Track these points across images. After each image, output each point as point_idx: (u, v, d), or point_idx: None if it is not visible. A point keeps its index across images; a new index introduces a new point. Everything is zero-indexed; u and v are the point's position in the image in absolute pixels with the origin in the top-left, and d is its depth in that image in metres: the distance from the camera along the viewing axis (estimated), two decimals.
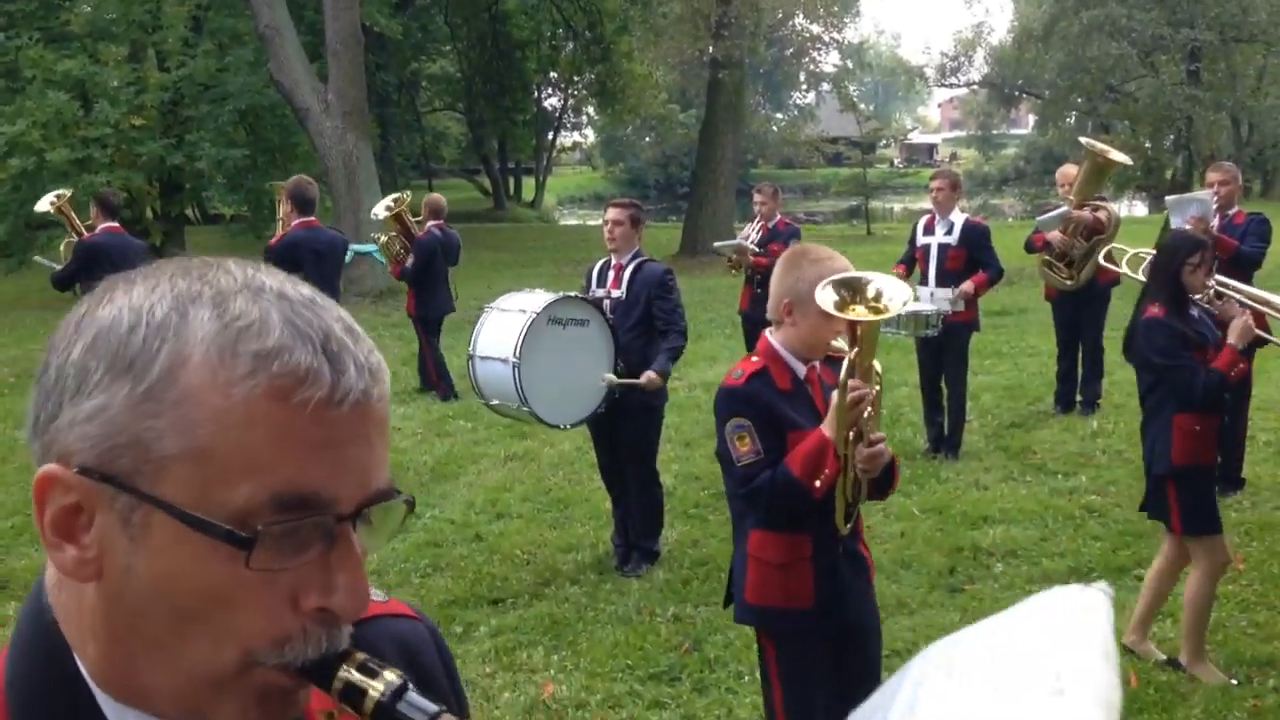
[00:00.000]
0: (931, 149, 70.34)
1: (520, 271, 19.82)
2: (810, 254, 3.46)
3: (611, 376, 5.90)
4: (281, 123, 21.45)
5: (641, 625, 5.53)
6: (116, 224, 9.19)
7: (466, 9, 33.41)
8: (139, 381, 0.82)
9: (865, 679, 3.44)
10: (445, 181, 48.41)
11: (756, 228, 9.47)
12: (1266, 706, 4.57)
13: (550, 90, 43.00)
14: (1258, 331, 4.94)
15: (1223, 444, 4.93)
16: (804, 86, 48.53)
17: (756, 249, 9.16)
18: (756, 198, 9.58)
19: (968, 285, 7.92)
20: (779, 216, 9.53)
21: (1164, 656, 4.95)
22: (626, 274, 6.23)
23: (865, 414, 3.24)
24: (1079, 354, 9.20)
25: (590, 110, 42.95)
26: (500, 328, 5.96)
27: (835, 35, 32.61)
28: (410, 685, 0.87)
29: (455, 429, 9.39)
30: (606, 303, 6.20)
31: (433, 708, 0.86)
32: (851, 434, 3.25)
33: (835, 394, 3.23)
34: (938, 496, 7.20)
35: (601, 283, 6.34)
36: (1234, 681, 4.74)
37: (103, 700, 0.88)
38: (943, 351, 8.13)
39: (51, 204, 9.59)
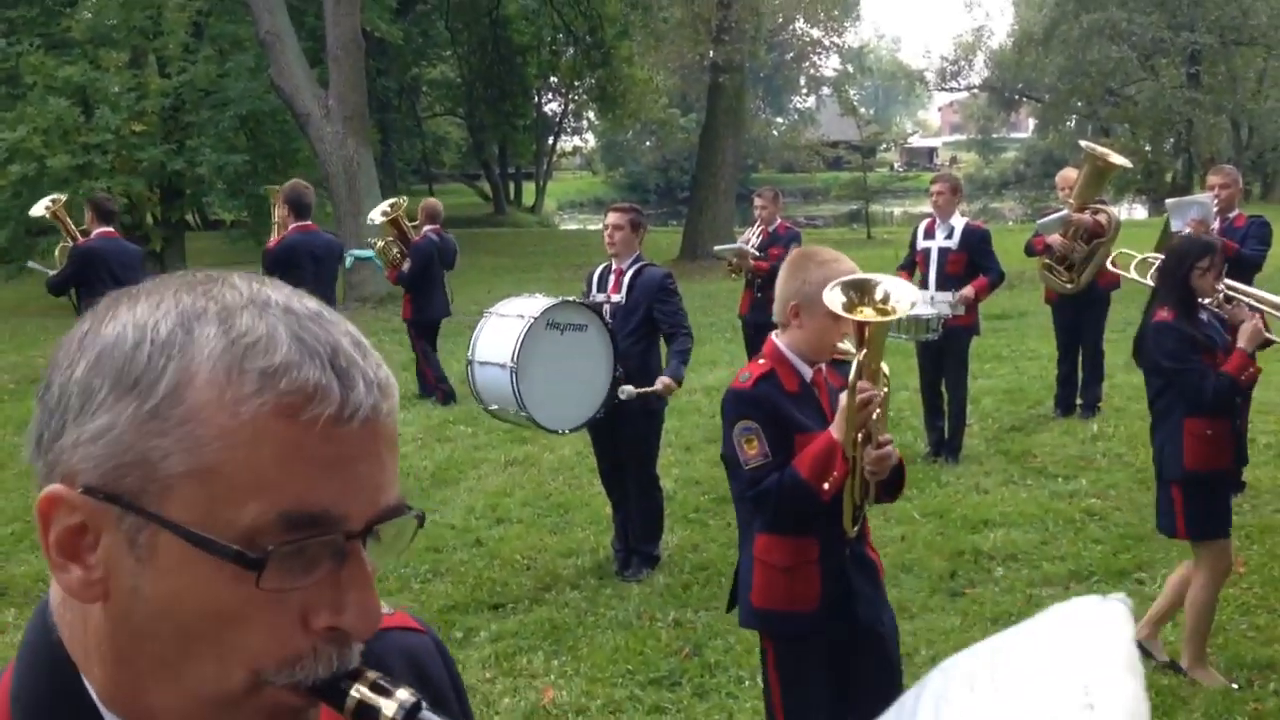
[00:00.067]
0: (932, 153, 70.34)
1: (520, 276, 19.83)
2: (816, 256, 3.46)
3: (631, 388, 5.89)
4: (282, 128, 21.47)
5: (642, 630, 5.53)
6: (111, 228, 9.18)
7: (467, 14, 33.46)
8: (144, 400, 0.80)
9: (883, 682, 3.44)
10: (445, 186, 48.47)
11: (757, 232, 9.47)
12: (1267, 710, 4.56)
13: (550, 95, 43.07)
14: (1267, 334, 4.92)
15: (1238, 448, 4.90)
16: (804, 91, 48.59)
17: (757, 253, 9.16)
18: (757, 202, 9.58)
19: (968, 289, 7.91)
20: (779, 221, 9.53)
21: (1166, 659, 4.95)
22: (627, 279, 6.22)
23: (874, 416, 3.24)
24: (1079, 357, 9.19)
25: (590, 115, 42.99)
26: (498, 333, 5.96)
27: (835, 39, 32.71)
28: (424, 704, 0.85)
29: (455, 434, 9.38)
30: (607, 307, 6.20)
31: None
32: (860, 436, 3.25)
33: (844, 396, 3.23)
34: (938, 500, 7.19)
35: (602, 287, 6.34)
36: (1234, 685, 4.73)
37: (110, 719, 0.87)
38: (943, 355, 8.13)
39: (47, 208, 9.58)
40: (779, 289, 3.48)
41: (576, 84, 35.96)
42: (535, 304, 5.99)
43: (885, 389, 3.26)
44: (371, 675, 0.86)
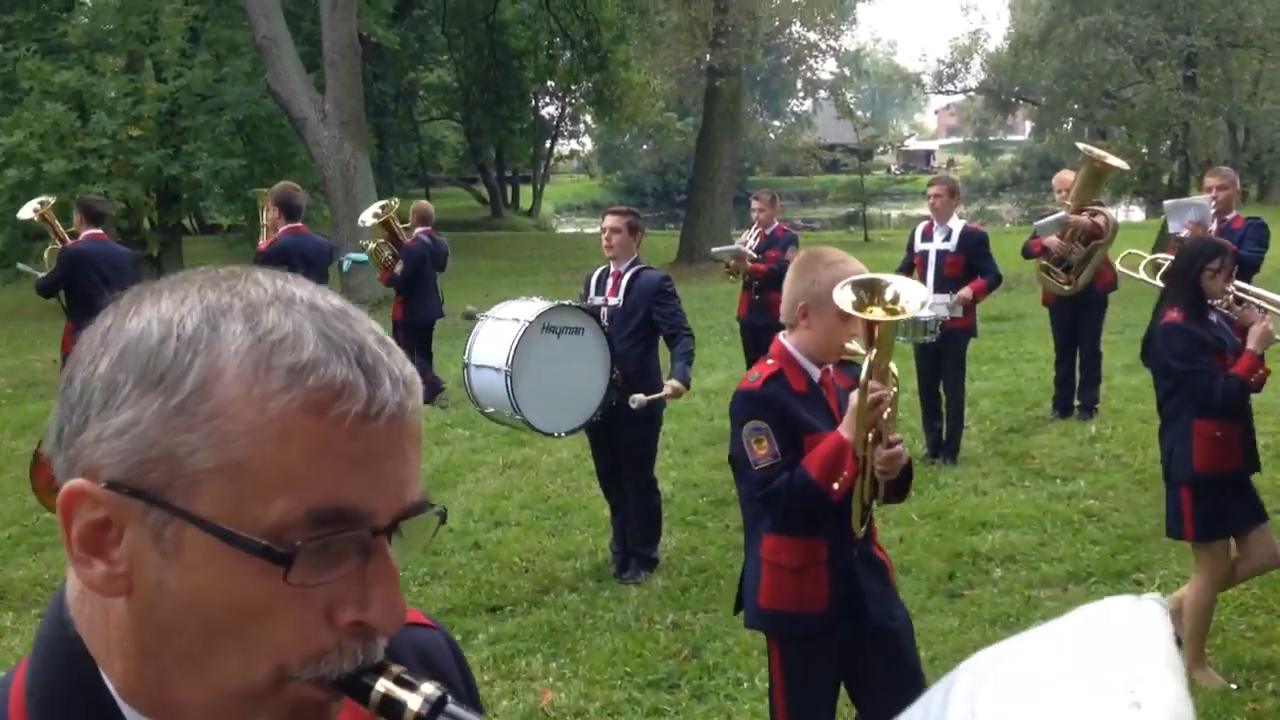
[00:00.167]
0: (928, 155, 70.43)
1: (518, 280, 19.84)
2: (825, 257, 3.46)
3: (642, 397, 5.89)
4: (279, 133, 21.48)
5: (640, 632, 5.52)
6: (100, 230, 9.19)
7: (464, 19, 33.50)
8: (171, 395, 0.80)
9: (896, 679, 3.42)
10: (443, 190, 48.46)
11: (754, 234, 9.48)
12: (1265, 710, 4.56)
13: (547, 99, 43.09)
14: (1278, 337, 4.91)
15: (1248, 449, 4.88)
16: (801, 94, 48.54)
17: (754, 255, 9.16)
18: (754, 205, 9.58)
19: (966, 291, 7.92)
20: (776, 223, 9.53)
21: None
22: (624, 282, 6.23)
23: (884, 415, 3.24)
24: (1077, 359, 9.20)
25: (588, 118, 43.07)
26: (494, 336, 5.96)
27: (832, 43, 32.69)
28: (449, 697, 0.86)
29: (453, 437, 9.38)
30: (604, 310, 6.20)
31: (473, 719, 0.85)
32: (870, 435, 3.26)
33: (854, 395, 3.23)
34: (936, 502, 7.19)
35: (600, 290, 6.34)
36: (1233, 686, 4.74)
37: (129, 714, 0.87)
38: (941, 357, 8.13)
39: (35, 211, 9.57)
40: (786, 290, 3.48)
41: (573, 88, 36.03)
42: (531, 308, 5.99)
43: (895, 389, 3.27)
44: (396, 670, 0.87)
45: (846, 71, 42.29)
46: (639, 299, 6.17)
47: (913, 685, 3.67)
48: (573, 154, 57.89)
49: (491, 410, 6.11)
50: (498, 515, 7.36)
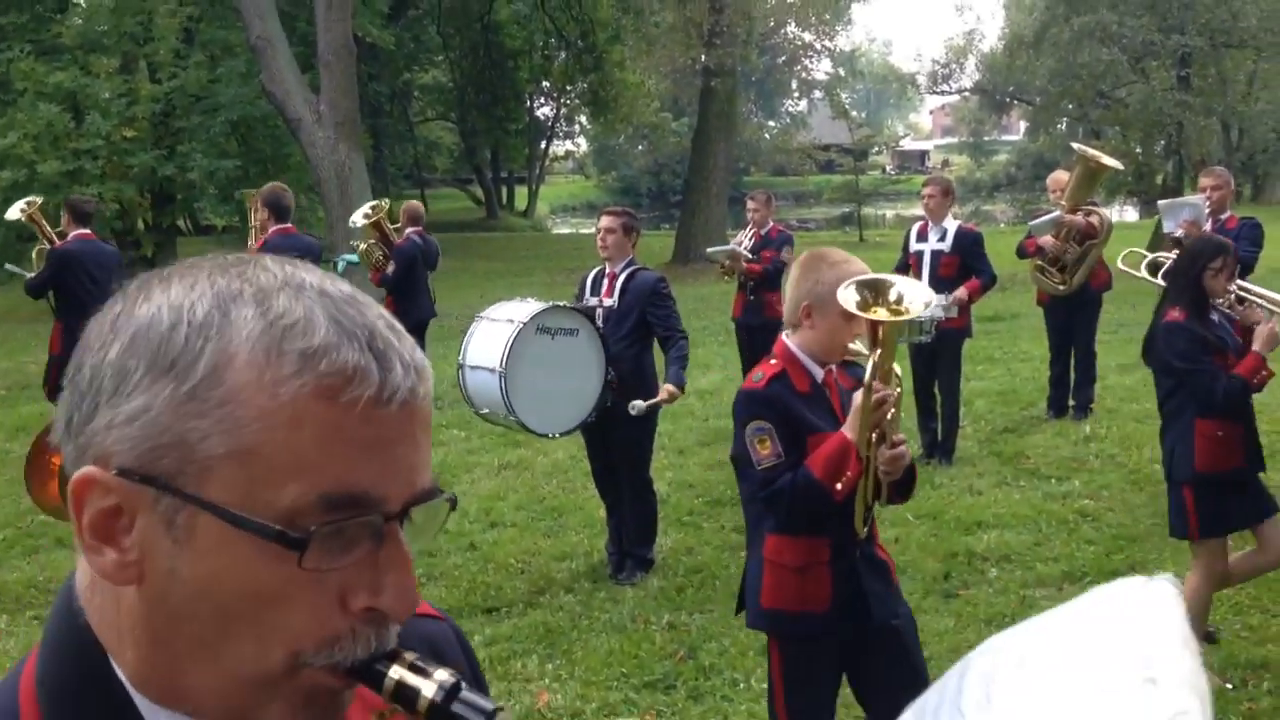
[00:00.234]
0: (923, 155, 70.51)
1: (513, 280, 19.83)
2: (828, 257, 3.46)
3: (641, 403, 5.90)
4: (273, 133, 21.46)
5: (636, 633, 5.52)
6: (88, 230, 9.20)
7: (458, 19, 33.46)
8: (182, 381, 0.80)
9: (900, 679, 3.42)
10: (438, 191, 48.46)
11: (749, 235, 9.47)
12: (1261, 710, 4.57)
13: (543, 99, 43.09)
14: None
15: (1250, 448, 4.88)
16: (796, 94, 48.62)
17: (749, 255, 9.16)
18: (749, 205, 9.58)
19: (961, 291, 7.92)
20: (772, 224, 9.53)
21: (1211, 627, 4.99)
22: (620, 283, 6.22)
23: (888, 416, 3.24)
24: (1071, 359, 9.21)
25: (583, 119, 43.00)
26: (488, 337, 5.96)
27: (827, 43, 32.74)
28: (463, 684, 0.86)
29: (449, 438, 9.37)
30: (600, 311, 6.20)
31: (489, 705, 0.85)
32: (874, 436, 3.26)
33: (858, 395, 3.23)
34: (931, 502, 7.20)
35: (595, 291, 6.34)
36: (1229, 685, 4.74)
37: (140, 702, 0.86)
38: (936, 358, 8.14)
39: (22, 211, 9.56)
40: (790, 290, 3.48)
41: (568, 88, 35.99)
42: (525, 309, 5.99)
43: (898, 389, 3.27)
44: (409, 656, 0.86)
45: (841, 72, 42.31)
46: (634, 300, 6.17)
47: (916, 684, 3.67)
48: (568, 154, 57.90)
49: (486, 411, 6.11)
50: (493, 516, 7.35)
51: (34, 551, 7.06)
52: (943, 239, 8.07)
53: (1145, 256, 6.79)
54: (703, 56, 23.38)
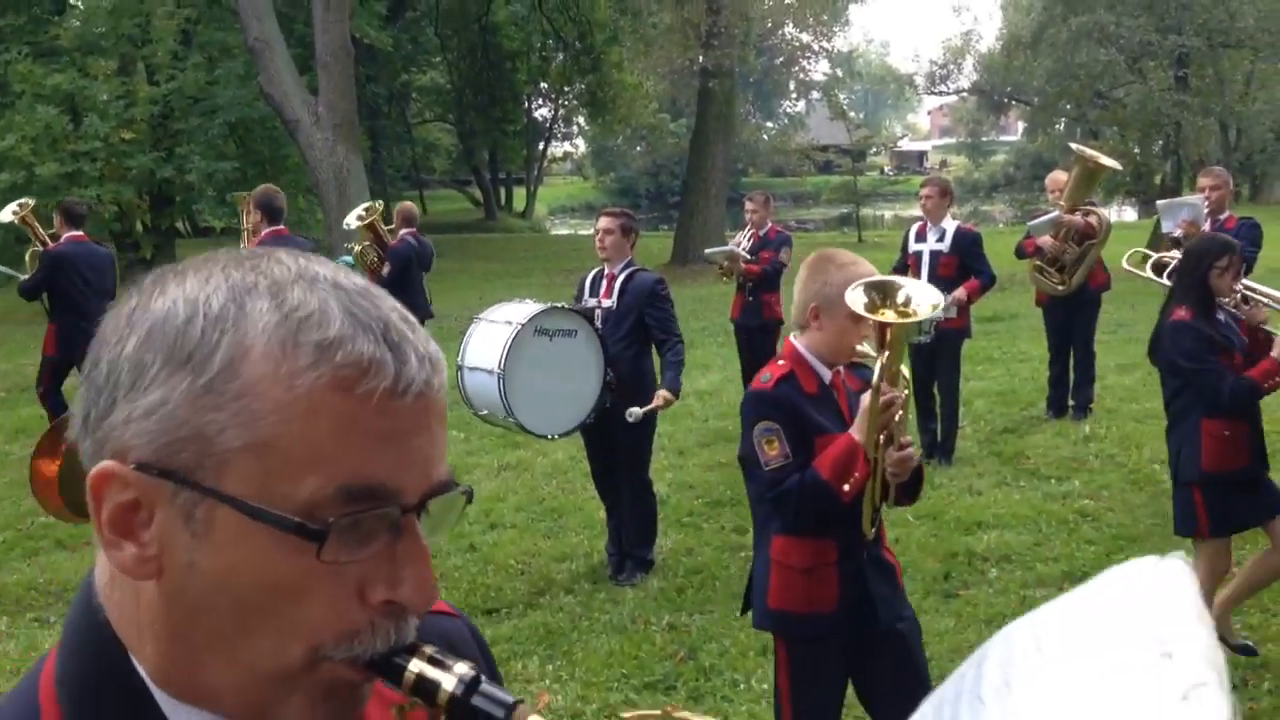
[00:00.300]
0: (921, 156, 70.55)
1: (512, 282, 19.82)
2: (836, 259, 3.46)
3: (637, 410, 5.90)
4: (271, 135, 21.46)
5: (636, 634, 5.52)
6: (81, 232, 9.23)
7: (456, 21, 33.46)
8: (199, 374, 0.80)
9: (904, 681, 3.45)
10: (436, 192, 48.45)
11: (748, 236, 9.47)
12: (1261, 709, 4.57)
13: (541, 101, 43.09)
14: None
15: (1255, 448, 4.88)
16: (794, 95, 48.64)
17: (748, 256, 9.16)
18: (748, 206, 9.58)
19: (960, 292, 7.92)
20: (770, 224, 9.53)
21: (1244, 640, 4.99)
22: (618, 284, 6.22)
23: (895, 417, 3.24)
24: (1070, 359, 9.22)
25: (581, 120, 43.01)
26: (487, 339, 5.97)
27: (825, 44, 32.73)
28: (483, 677, 0.86)
29: (448, 439, 9.35)
30: (598, 313, 6.20)
31: (509, 698, 0.85)
32: (882, 437, 3.26)
33: (866, 397, 3.24)
34: (931, 502, 7.19)
35: (594, 292, 6.34)
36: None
37: (161, 698, 0.86)
38: (935, 358, 8.14)
39: (14, 213, 9.57)
40: (798, 291, 3.48)
41: (566, 89, 35.99)
42: (523, 310, 5.99)
43: (906, 391, 3.27)
44: (428, 650, 0.86)
45: (839, 72, 42.30)
46: (633, 301, 6.17)
47: (919, 688, 3.69)
48: (566, 156, 57.88)
49: (485, 413, 6.11)
50: (493, 518, 7.35)
51: (34, 554, 7.06)
52: (941, 239, 8.07)
53: (1150, 256, 6.78)
54: (700, 57, 23.38)
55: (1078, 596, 0.91)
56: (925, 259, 8.07)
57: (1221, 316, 4.83)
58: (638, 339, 6.19)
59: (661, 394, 6.07)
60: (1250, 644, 5.04)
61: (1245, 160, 32.22)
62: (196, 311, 0.81)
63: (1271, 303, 5.11)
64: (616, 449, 6.28)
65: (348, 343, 0.81)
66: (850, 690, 3.59)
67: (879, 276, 3.30)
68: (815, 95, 39.21)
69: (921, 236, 8.20)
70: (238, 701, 0.85)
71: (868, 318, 3.16)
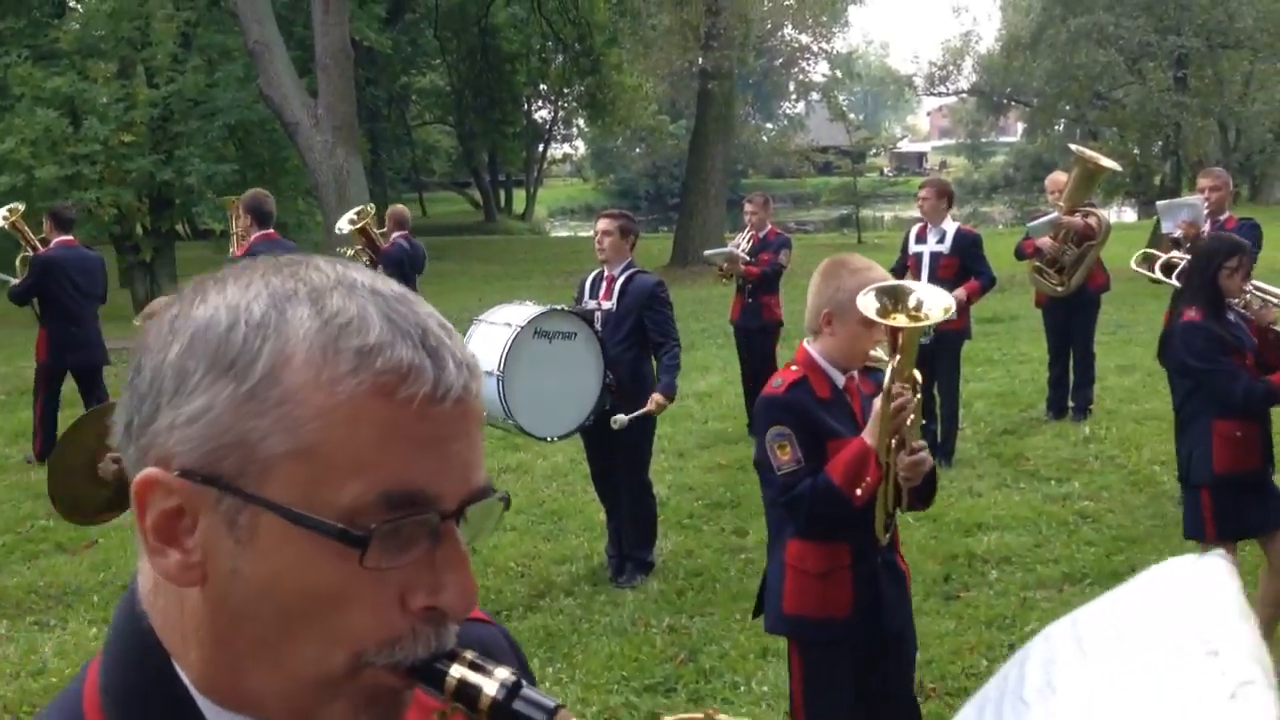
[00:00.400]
0: (921, 157, 70.56)
1: (511, 284, 19.82)
2: (849, 264, 3.47)
3: (623, 417, 5.91)
4: (271, 138, 21.45)
5: (636, 637, 5.52)
6: (71, 237, 9.25)
7: (456, 23, 33.48)
8: (241, 381, 0.80)
9: (900, 688, 3.51)
10: (436, 194, 48.50)
11: (747, 237, 9.48)
12: None
13: (540, 103, 43.10)
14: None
15: (1265, 448, 4.86)
16: (793, 96, 48.66)
17: (747, 258, 9.16)
18: (747, 207, 9.59)
19: (960, 293, 7.91)
20: (769, 226, 9.54)
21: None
22: (618, 286, 6.22)
23: (907, 422, 3.25)
24: (1070, 360, 9.21)
25: (580, 122, 43.04)
26: (486, 340, 5.96)
27: (824, 45, 32.77)
28: (524, 682, 0.86)
29: None
30: (598, 314, 6.20)
31: (550, 703, 0.85)
32: (893, 442, 3.27)
33: (878, 402, 3.25)
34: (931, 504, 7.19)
35: (594, 294, 6.34)
36: None
37: (204, 705, 0.86)
38: (935, 360, 8.13)
39: (4, 219, 9.58)
40: (811, 297, 3.48)
41: (566, 91, 35.99)
42: (523, 312, 5.99)
43: (918, 395, 3.27)
44: (469, 655, 0.87)
45: (839, 74, 42.33)
46: (632, 303, 6.17)
47: (910, 692, 3.71)
48: (565, 158, 57.92)
49: (484, 415, 6.09)
50: None
51: (34, 557, 7.05)
52: (941, 241, 8.07)
53: (1159, 257, 6.76)
54: (700, 59, 23.39)
55: (1118, 596, 0.90)
56: (925, 260, 8.06)
57: (1231, 317, 4.81)
58: (637, 341, 6.19)
59: (655, 398, 6.06)
60: None
61: (1245, 161, 32.22)
62: (238, 318, 0.82)
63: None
64: (616, 451, 6.28)
65: (387, 348, 0.81)
66: None
67: (891, 281, 3.31)
68: (815, 96, 39.22)
69: (921, 238, 8.19)
70: (281, 708, 0.85)
71: (879, 323, 3.16)
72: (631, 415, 5.95)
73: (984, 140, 57.15)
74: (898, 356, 3.20)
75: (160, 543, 0.83)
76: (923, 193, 8.32)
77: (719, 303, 14.05)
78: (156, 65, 20.53)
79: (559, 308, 6.15)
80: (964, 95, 38.16)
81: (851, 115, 37.37)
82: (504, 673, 0.86)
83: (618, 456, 6.30)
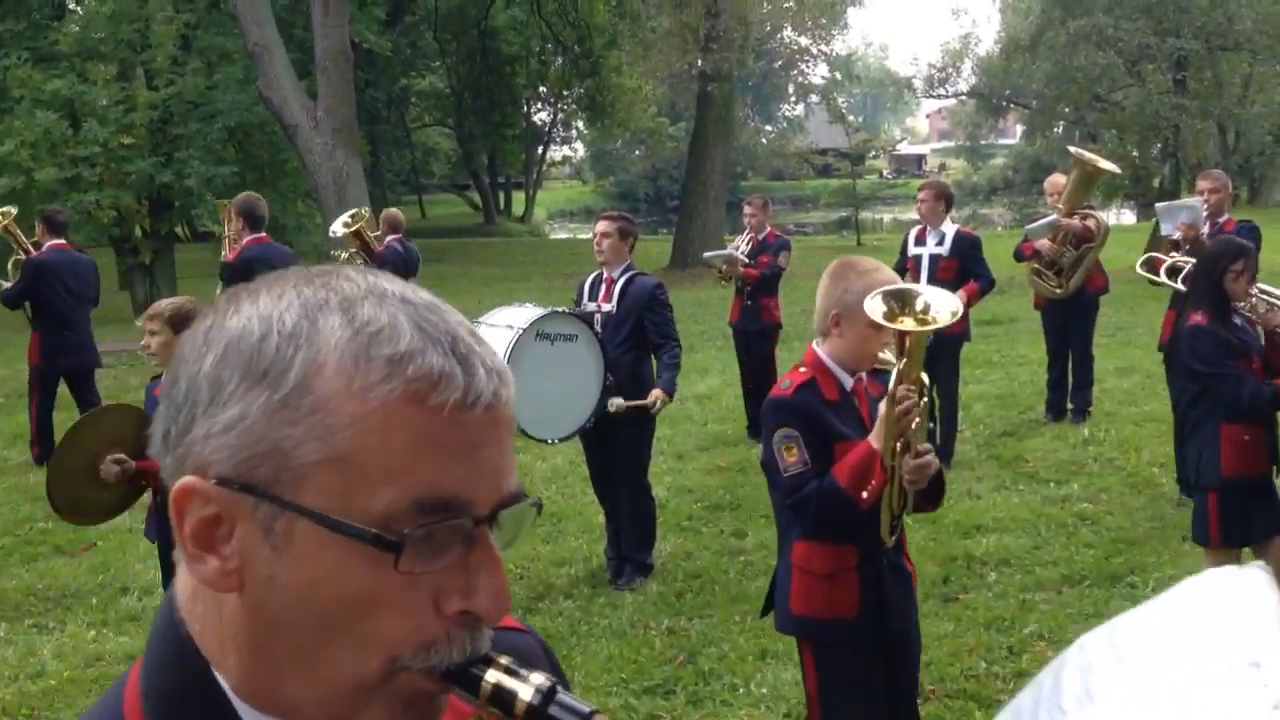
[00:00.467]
0: (920, 160, 70.55)
1: (511, 286, 19.81)
2: (857, 266, 3.47)
3: (620, 401, 5.90)
4: (271, 140, 21.44)
5: (635, 639, 5.52)
6: (63, 240, 9.26)
7: (455, 25, 33.49)
8: (275, 390, 0.81)
9: (905, 686, 3.51)
10: (435, 197, 48.49)
11: (746, 239, 9.48)
12: None
13: (540, 105, 43.10)
14: None
15: (1271, 450, 4.85)
16: (793, 99, 48.57)
17: (746, 260, 9.17)
18: (746, 210, 9.59)
19: (960, 295, 7.91)
20: (769, 228, 9.54)
21: None
22: (618, 288, 6.23)
23: (913, 425, 3.25)
24: (1069, 362, 9.21)
25: (580, 124, 43.04)
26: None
27: (823, 48, 32.71)
28: (559, 687, 0.87)
29: None
30: (598, 317, 6.20)
31: (586, 708, 0.86)
32: (899, 445, 3.27)
33: (883, 405, 3.25)
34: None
35: (593, 296, 6.34)
36: None
37: (243, 710, 0.87)
38: (934, 362, 8.08)
39: None
40: (819, 299, 3.49)
41: (565, 94, 36.02)
42: (524, 314, 5.99)
43: (925, 399, 3.27)
44: (504, 660, 0.87)
45: (838, 76, 42.34)
46: (632, 305, 6.17)
47: (913, 695, 3.72)
48: (565, 160, 57.93)
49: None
50: None
51: (33, 559, 7.05)
52: (941, 243, 8.07)
53: (1164, 261, 6.76)
54: (699, 61, 23.38)
55: (1157, 606, 0.90)
56: (925, 262, 8.06)
57: (1237, 320, 4.80)
58: (637, 343, 6.19)
59: (655, 392, 6.06)
60: None
61: (1244, 163, 32.19)
62: (271, 328, 0.83)
63: None
64: (615, 453, 6.28)
65: (418, 356, 0.83)
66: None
67: (899, 285, 3.31)
68: (814, 99, 39.19)
69: (921, 240, 8.19)
70: (318, 713, 0.86)
71: (886, 326, 3.16)
72: (631, 403, 5.95)
73: (983, 142, 57.12)
74: (904, 359, 3.20)
75: (198, 549, 0.84)
76: (921, 195, 8.32)
77: (718, 305, 14.05)
78: (156, 67, 20.54)
79: (560, 310, 6.15)
80: (963, 97, 38.13)
81: (851, 117, 37.38)
82: (539, 678, 0.86)
83: (617, 459, 6.30)
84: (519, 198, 48.12)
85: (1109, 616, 0.90)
